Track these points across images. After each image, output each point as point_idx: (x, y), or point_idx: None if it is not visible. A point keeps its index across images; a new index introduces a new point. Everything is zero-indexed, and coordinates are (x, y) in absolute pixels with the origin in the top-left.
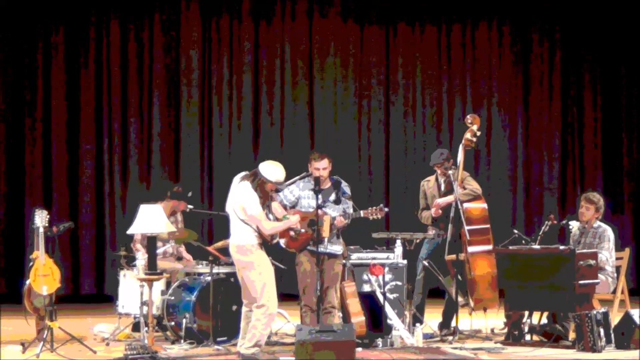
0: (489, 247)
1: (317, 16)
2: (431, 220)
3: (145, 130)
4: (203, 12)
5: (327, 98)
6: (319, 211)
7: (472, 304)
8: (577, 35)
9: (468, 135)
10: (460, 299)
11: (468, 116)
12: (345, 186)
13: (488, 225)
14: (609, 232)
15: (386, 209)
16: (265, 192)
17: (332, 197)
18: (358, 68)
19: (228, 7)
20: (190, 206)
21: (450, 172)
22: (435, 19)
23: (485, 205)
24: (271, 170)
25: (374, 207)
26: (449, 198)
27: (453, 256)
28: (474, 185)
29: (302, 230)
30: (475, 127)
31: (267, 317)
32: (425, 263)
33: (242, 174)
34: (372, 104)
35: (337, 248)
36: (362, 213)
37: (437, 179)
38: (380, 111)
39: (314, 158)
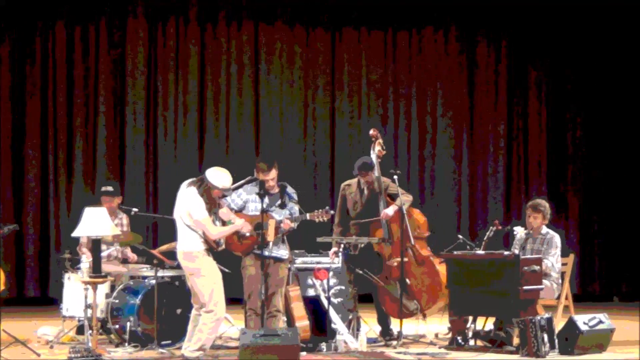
0: (429, 252)
1: (263, 20)
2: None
3: (90, 133)
4: (149, 17)
5: (273, 102)
6: (265, 215)
7: (414, 307)
8: (523, 42)
9: (378, 147)
10: (408, 303)
11: (371, 131)
12: (292, 193)
13: (428, 233)
14: (556, 239)
15: (332, 212)
16: (212, 199)
17: (279, 201)
18: (304, 72)
19: (174, 12)
20: (135, 209)
21: (394, 178)
22: (382, 24)
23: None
24: (218, 176)
25: (320, 210)
26: (395, 207)
27: (394, 261)
28: (400, 190)
29: (248, 234)
30: (381, 140)
31: (214, 322)
32: (360, 271)
33: (189, 180)
34: (317, 108)
35: (283, 252)
36: (307, 216)
37: (359, 184)
38: (326, 115)
39: (262, 170)
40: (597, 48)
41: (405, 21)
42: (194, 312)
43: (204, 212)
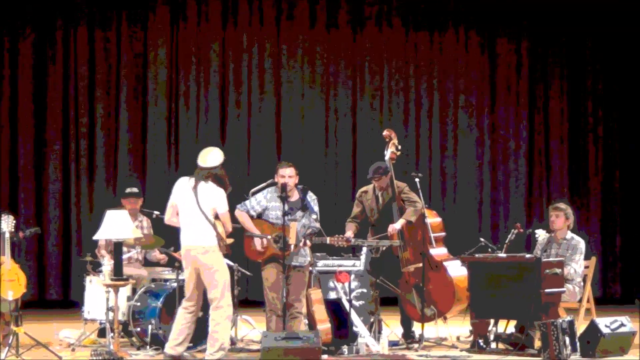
0: (446, 254)
1: (285, 19)
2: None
3: (112, 135)
4: (171, 14)
5: (294, 104)
6: (284, 218)
7: (430, 313)
8: (544, 40)
9: (392, 149)
10: (426, 309)
11: (385, 132)
12: (312, 200)
13: (444, 233)
14: (581, 244)
15: (352, 240)
16: (226, 181)
17: (300, 206)
18: (326, 72)
19: (196, 9)
20: (156, 212)
21: (416, 182)
22: (404, 22)
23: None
24: (214, 156)
25: (340, 236)
26: (402, 221)
27: (411, 267)
28: (412, 197)
29: (269, 237)
30: (395, 141)
31: (226, 320)
32: (378, 280)
33: (187, 177)
34: (339, 110)
35: (302, 260)
36: (328, 240)
37: (374, 191)
38: (347, 117)
39: (281, 166)
40: (621, 45)
41: (425, 20)
42: (183, 310)
43: (226, 205)
